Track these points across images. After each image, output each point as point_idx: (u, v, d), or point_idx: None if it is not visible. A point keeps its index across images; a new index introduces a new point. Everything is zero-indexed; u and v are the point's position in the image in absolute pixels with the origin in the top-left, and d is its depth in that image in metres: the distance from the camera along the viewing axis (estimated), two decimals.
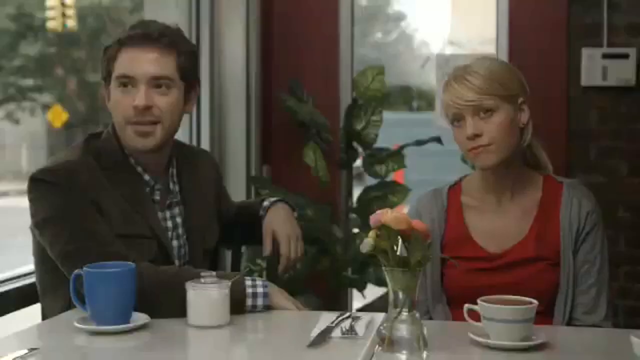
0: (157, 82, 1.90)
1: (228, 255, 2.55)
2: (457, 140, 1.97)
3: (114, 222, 1.86)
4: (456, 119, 1.95)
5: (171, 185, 2.04)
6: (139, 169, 1.97)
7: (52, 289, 1.93)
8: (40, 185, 1.85)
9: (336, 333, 1.61)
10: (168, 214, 2.02)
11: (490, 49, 3.84)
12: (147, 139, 1.91)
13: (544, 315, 1.94)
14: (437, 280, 2.03)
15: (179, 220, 2.04)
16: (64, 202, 1.82)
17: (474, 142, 1.92)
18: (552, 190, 2.03)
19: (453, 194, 2.08)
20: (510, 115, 1.93)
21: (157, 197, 1.99)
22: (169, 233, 2.00)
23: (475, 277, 1.97)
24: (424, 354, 1.47)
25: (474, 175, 2.09)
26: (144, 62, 1.89)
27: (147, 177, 1.97)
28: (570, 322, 1.97)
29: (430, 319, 2.02)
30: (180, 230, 2.04)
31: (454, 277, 2.01)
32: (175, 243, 2.02)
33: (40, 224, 1.85)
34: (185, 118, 2.37)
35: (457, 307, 1.89)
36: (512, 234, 2.00)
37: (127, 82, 1.89)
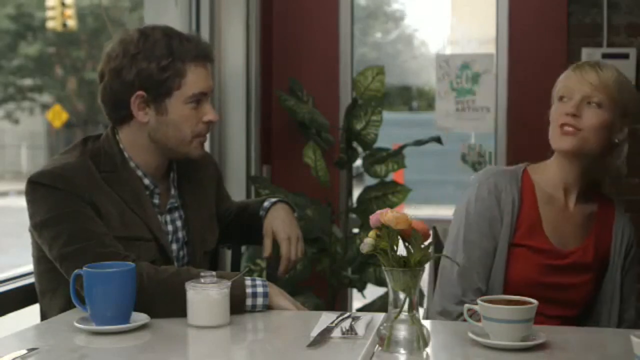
0: (209, 96, 1.98)
1: (228, 255, 2.54)
2: (553, 115, 1.98)
3: (112, 224, 1.86)
4: (566, 95, 1.96)
5: (172, 190, 2.04)
6: (140, 172, 1.97)
7: (50, 289, 1.93)
8: (38, 188, 1.84)
9: (336, 333, 1.61)
10: (168, 217, 2.02)
11: (490, 48, 3.84)
12: (204, 147, 2.02)
13: (573, 322, 1.97)
14: (503, 268, 1.99)
15: (178, 224, 2.04)
16: (62, 204, 1.82)
17: (567, 119, 1.93)
18: (605, 204, 2.07)
19: (526, 179, 2.05)
20: (610, 121, 1.95)
21: (157, 201, 1.99)
22: (169, 237, 2.00)
23: (540, 272, 1.97)
24: (424, 354, 1.47)
25: (544, 168, 2.06)
26: (209, 78, 1.96)
27: (147, 180, 1.97)
28: None
29: None
30: (180, 234, 2.04)
31: (519, 268, 1.98)
32: (174, 246, 2.02)
33: (39, 225, 1.85)
34: None
35: None
36: (576, 235, 2.02)
37: (200, 98, 1.94)
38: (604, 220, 2.06)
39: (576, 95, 1.95)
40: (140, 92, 1.90)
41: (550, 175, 2.04)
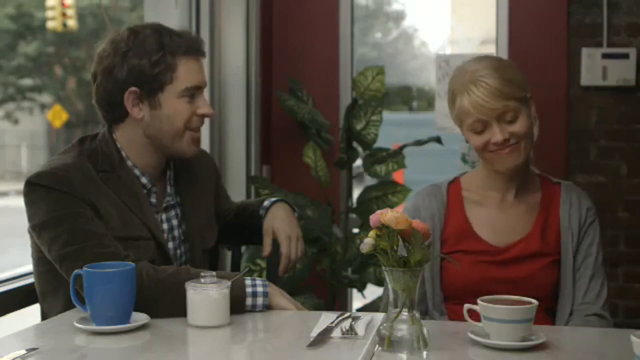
0: (203, 90, 1.98)
1: (228, 255, 2.54)
2: (477, 147, 1.94)
3: (111, 224, 1.86)
4: (478, 126, 1.92)
5: (168, 189, 2.04)
6: (137, 171, 1.97)
7: (51, 290, 1.93)
8: (37, 189, 1.84)
9: (336, 333, 1.61)
10: (164, 216, 2.02)
11: (490, 48, 3.84)
12: (199, 145, 2.01)
13: (544, 313, 1.94)
14: (438, 277, 2.02)
15: (174, 222, 2.04)
16: (61, 205, 1.82)
17: (501, 146, 1.91)
18: (550, 191, 2.06)
19: (453, 189, 2.07)
20: (529, 115, 1.93)
21: (154, 200, 1.99)
22: (165, 235, 2.00)
23: (479, 271, 1.97)
24: (424, 354, 1.47)
25: (476, 174, 2.08)
26: (202, 72, 1.97)
27: (144, 179, 1.97)
28: (571, 314, 1.99)
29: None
30: (176, 233, 2.04)
31: (456, 271, 1.99)
32: (170, 244, 2.02)
33: (38, 226, 1.85)
34: None
35: (459, 302, 1.89)
36: (515, 229, 2.01)
37: (194, 92, 1.94)
38: (548, 206, 2.03)
39: (492, 123, 1.90)
40: (133, 89, 1.91)
41: (480, 182, 2.05)
